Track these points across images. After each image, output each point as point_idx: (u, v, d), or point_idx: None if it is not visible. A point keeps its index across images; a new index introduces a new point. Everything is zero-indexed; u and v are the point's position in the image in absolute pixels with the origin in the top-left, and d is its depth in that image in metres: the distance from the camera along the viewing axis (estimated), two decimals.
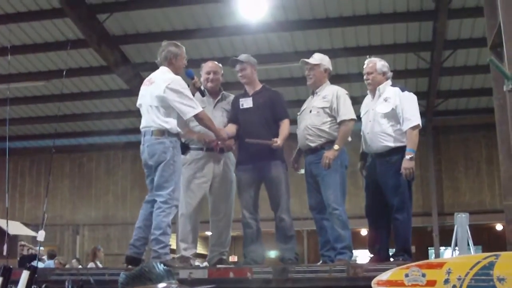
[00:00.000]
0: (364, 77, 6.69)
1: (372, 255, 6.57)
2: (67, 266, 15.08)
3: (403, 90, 6.45)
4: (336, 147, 6.33)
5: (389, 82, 6.60)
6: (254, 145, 6.42)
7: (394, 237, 6.35)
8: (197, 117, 6.22)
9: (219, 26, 14.52)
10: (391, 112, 6.33)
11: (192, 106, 6.14)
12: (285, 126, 6.65)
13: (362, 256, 22.25)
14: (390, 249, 6.51)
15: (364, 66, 6.74)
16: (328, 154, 6.28)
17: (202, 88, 6.72)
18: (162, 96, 6.14)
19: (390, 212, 6.37)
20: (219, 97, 6.89)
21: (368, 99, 6.73)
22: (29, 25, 14.64)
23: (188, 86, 6.46)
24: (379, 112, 6.42)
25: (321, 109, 6.50)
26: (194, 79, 6.70)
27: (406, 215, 6.29)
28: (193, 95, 6.57)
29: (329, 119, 6.50)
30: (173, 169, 6.11)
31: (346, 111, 6.48)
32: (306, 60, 6.76)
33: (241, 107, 6.74)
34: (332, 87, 6.70)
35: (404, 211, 6.28)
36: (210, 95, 6.84)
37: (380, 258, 6.31)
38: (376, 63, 6.63)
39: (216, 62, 7.03)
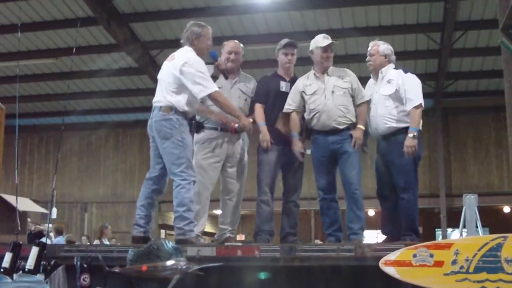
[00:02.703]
0: (367, 59, 6.73)
1: (385, 236, 6.59)
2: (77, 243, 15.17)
3: (405, 72, 6.47)
4: (362, 127, 6.45)
5: (392, 65, 6.61)
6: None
7: (401, 217, 6.33)
8: (210, 97, 6.17)
9: (228, 4, 14.49)
10: (395, 94, 6.35)
11: (205, 85, 6.09)
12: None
13: (369, 236, 22.37)
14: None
15: (368, 49, 6.74)
16: (358, 135, 6.38)
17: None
18: (176, 73, 6.11)
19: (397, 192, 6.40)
20: (237, 77, 6.83)
21: (371, 82, 6.74)
22: (38, 2, 14.64)
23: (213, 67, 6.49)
24: (383, 94, 6.43)
25: (346, 90, 6.52)
26: (217, 61, 6.69)
27: (412, 195, 6.30)
28: (217, 77, 6.57)
29: (351, 99, 6.55)
30: (182, 146, 6.07)
31: (365, 93, 6.62)
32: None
33: (280, 89, 6.74)
34: (346, 69, 6.76)
35: (410, 191, 6.28)
36: (228, 74, 6.80)
37: (393, 239, 6.30)
38: (379, 46, 6.66)
39: (237, 42, 6.94)
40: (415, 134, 6.17)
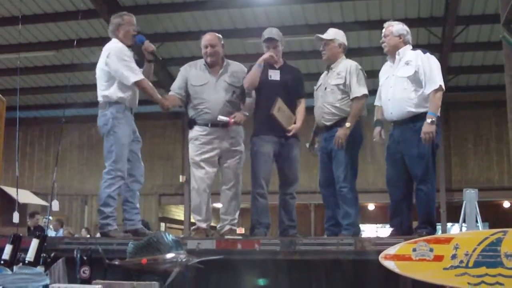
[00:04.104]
0: (381, 40, 6.47)
1: (392, 229, 6.31)
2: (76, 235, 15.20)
3: (424, 52, 6.15)
4: (347, 124, 6.29)
5: (410, 46, 6.32)
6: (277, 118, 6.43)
7: (417, 209, 6.09)
8: (138, 84, 6.34)
9: None
10: (414, 76, 6.05)
11: (133, 72, 6.30)
12: (303, 107, 6.69)
13: (369, 230, 22.42)
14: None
15: (383, 30, 6.47)
16: (340, 134, 6.28)
17: (155, 53, 6.69)
18: (104, 67, 6.31)
19: (412, 183, 6.17)
20: (221, 69, 6.72)
21: (387, 65, 6.49)
22: None
23: (142, 53, 6.62)
24: (401, 76, 6.14)
25: (335, 86, 6.49)
26: (144, 43, 6.67)
27: (430, 186, 6.02)
28: (149, 60, 6.66)
29: (343, 95, 6.47)
30: (113, 139, 6.27)
31: (359, 88, 6.40)
32: (320, 35, 6.70)
33: (269, 78, 6.62)
34: (346, 62, 6.64)
35: (428, 182, 6.00)
36: (211, 68, 6.69)
37: (402, 231, 6.08)
38: (393, 26, 6.37)
39: (215, 34, 6.80)
40: (433, 119, 5.84)
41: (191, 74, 6.71)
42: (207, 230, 6.56)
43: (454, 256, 4.44)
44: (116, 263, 4.98)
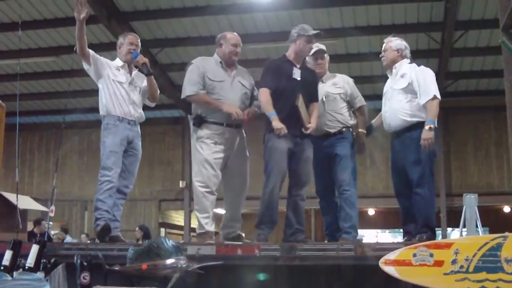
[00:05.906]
0: (380, 55, 6.69)
1: (406, 236, 6.39)
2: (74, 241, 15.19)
3: (419, 65, 6.39)
4: (363, 131, 6.75)
5: (407, 60, 6.51)
6: (297, 116, 6.28)
7: (416, 213, 6.17)
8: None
9: (229, 3, 14.48)
10: (408, 87, 6.26)
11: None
12: (316, 110, 6.55)
13: (369, 235, 22.41)
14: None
15: (383, 45, 6.70)
16: (364, 140, 6.74)
17: (147, 65, 6.80)
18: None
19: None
20: (235, 70, 6.70)
21: (388, 79, 6.67)
22: (39, 0, 14.62)
23: (137, 68, 6.92)
24: (396, 88, 6.37)
25: (337, 95, 6.72)
26: (136, 58, 6.79)
27: (427, 190, 6.12)
28: (145, 74, 6.88)
29: (344, 104, 6.75)
30: (103, 148, 6.75)
31: (362, 97, 6.85)
32: (323, 48, 6.92)
33: (293, 75, 6.46)
34: (340, 75, 7.00)
35: (425, 186, 6.10)
36: (228, 68, 6.65)
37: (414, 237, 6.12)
38: (392, 41, 6.62)
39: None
40: (431, 126, 6.02)
41: (208, 68, 6.58)
42: (213, 233, 6.44)
43: (454, 261, 4.44)
44: (116, 268, 4.99)
